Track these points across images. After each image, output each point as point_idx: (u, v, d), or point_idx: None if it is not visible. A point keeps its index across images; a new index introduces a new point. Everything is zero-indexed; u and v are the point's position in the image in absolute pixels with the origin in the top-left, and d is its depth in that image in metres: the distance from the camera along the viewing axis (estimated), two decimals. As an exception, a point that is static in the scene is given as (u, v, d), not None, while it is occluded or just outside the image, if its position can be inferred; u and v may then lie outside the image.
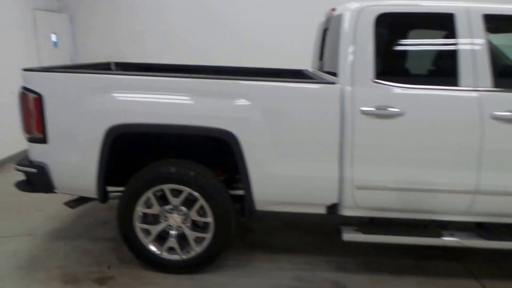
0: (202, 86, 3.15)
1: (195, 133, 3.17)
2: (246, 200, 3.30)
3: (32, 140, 3.32)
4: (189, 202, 3.35)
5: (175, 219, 3.37)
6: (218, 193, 3.29)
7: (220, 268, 3.51)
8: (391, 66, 3.17)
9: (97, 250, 3.80)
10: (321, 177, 3.18)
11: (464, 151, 3.07)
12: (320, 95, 3.09)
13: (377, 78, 3.06)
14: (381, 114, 3.04)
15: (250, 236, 4.13)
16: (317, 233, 4.26)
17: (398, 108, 3.03)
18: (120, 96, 3.17)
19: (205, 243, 3.37)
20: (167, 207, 3.36)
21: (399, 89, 3.06)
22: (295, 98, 3.10)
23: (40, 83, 3.21)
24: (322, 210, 3.34)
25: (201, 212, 3.35)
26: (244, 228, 4.24)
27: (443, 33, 3.11)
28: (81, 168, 3.30)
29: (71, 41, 7.97)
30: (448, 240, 3.25)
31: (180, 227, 3.38)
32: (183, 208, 3.35)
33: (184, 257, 3.40)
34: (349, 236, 3.28)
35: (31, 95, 3.20)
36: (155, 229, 3.39)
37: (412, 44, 3.21)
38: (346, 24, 3.11)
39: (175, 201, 3.32)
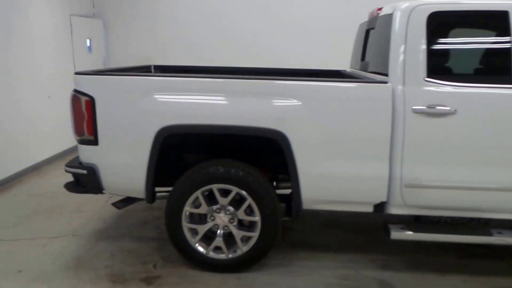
0: (254, 87, 3.03)
1: (246, 133, 3.05)
2: (294, 199, 3.16)
3: (83, 142, 3.22)
4: (235, 201, 3.22)
5: (222, 218, 3.23)
6: (266, 193, 3.15)
7: (264, 267, 3.37)
8: (442, 64, 3.03)
9: (141, 249, 3.67)
10: (370, 176, 3.04)
11: None
12: (371, 95, 2.95)
13: (429, 77, 2.92)
14: (433, 112, 2.90)
15: (290, 235, 3.98)
16: (357, 231, 4.11)
17: (450, 107, 2.89)
18: (172, 97, 3.06)
19: (251, 242, 3.23)
20: (215, 206, 3.22)
21: (450, 87, 2.91)
22: (346, 98, 2.97)
23: (92, 86, 3.11)
24: (369, 209, 3.20)
25: (248, 211, 3.22)
26: (283, 227, 4.10)
27: (497, 31, 2.96)
28: (130, 169, 3.18)
29: (104, 46, 7.87)
30: (497, 238, 3.09)
31: (226, 226, 3.24)
32: (230, 208, 3.22)
33: (231, 256, 3.26)
34: (397, 234, 3.13)
35: (83, 98, 3.09)
36: (203, 229, 3.25)
37: (464, 42, 3.06)
38: (397, 24, 2.97)
39: (223, 200, 3.18)
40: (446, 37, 3.02)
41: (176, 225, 3.24)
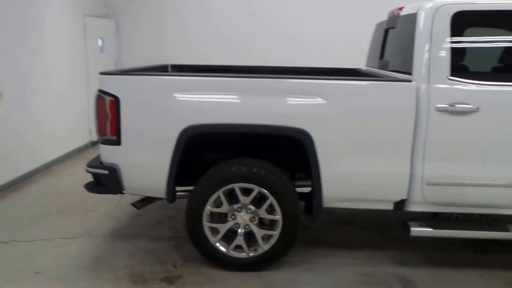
0: (278, 86, 2.92)
1: (270, 132, 2.93)
2: (315, 198, 3.04)
3: (105, 142, 3.07)
4: (255, 200, 3.09)
5: (243, 217, 3.10)
6: (287, 191, 3.03)
7: (283, 265, 3.25)
8: (465, 63, 2.94)
9: (159, 249, 3.52)
10: (392, 173, 2.94)
11: None
12: (396, 93, 2.85)
13: (452, 76, 2.83)
14: (456, 110, 2.81)
15: (306, 233, 3.86)
16: (371, 228, 4.02)
17: (472, 105, 2.80)
18: (196, 97, 2.93)
19: (272, 241, 3.10)
20: (235, 205, 3.09)
21: (473, 86, 2.83)
22: (370, 96, 2.86)
23: (117, 86, 2.97)
24: (389, 206, 3.10)
25: (268, 210, 3.09)
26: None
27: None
28: (152, 169, 3.05)
29: (116, 46, 7.66)
30: (515, 234, 3.00)
31: (247, 225, 3.12)
32: (251, 207, 3.09)
33: (252, 254, 3.14)
34: (417, 231, 3.03)
35: (108, 98, 2.95)
36: (224, 228, 3.12)
37: (486, 41, 2.97)
38: (421, 23, 2.88)
39: (244, 199, 3.05)
40: (469, 36, 2.93)
41: (197, 225, 3.10)
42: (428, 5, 2.89)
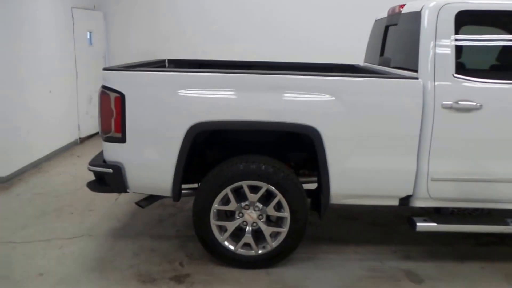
0: (286, 82, 2.93)
1: (278, 129, 2.96)
2: (323, 194, 3.08)
3: (109, 139, 3.02)
4: (262, 197, 3.11)
5: (251, 215, 3.12)
6: (295, 188, 3.06)
7: (291, 262, 3.29)
8: (469, 61, 3.01)
9: (163, 248, 3.51)
10: (399, 170, 3.00)
11: None
12: (403, 90, 2.91)
13: (457, 73, 2.90)
14: (460, 107, 2.88)
15: (310, 229, 3.88)
16: (372, 224, 4.09)
17: (476, 102, 2.88)
18: (204, 93, 2.91)
19: (280, 238, 3.14)
20: (243, 203, 3.11)
21: (478, 83, 2.91)
22: (378, 93, 2.91)
23: (123, 82, 2.93)
24: (395, 202, 3.16)
25: (276, 207, 3.12)
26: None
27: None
28: (158, 167, 3.03)
29: (105, 39, 7.50)
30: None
31: (255, 223, 3.14)
32: (259, 204, 3.11)
33: (260, 252, 3.16)
34: (423, 226, 3.11)
35: (113, 95, 2.91)
36: (232, 226, 3.13)
37: (489, 39, 3.06)
38: (426, 21, 2.93)
39: (252, 197, 3.07)
40: (473, 34, 3.01)
41: (204, 223, 3.11)
42: (432, 3, 2.95)
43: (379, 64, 3.92)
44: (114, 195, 4.59)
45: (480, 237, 3.76)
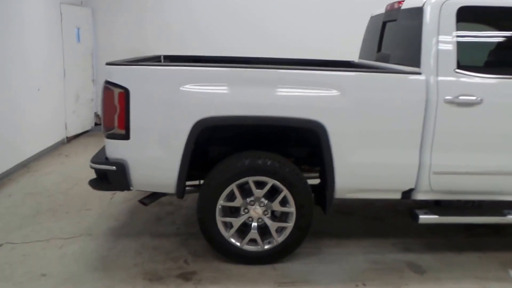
0: (294, 78, 2.95)
1: (285, 124, 2.97)
2: (328, 189, 3.12)
3: (111, 136, 2.97)
4: (267, 192, 3.12)
5: (256, 211, 3.13)
6: (301, 183, 3.10)
7: (296, 256, 3.31)
8: (470, 56, 3.10)
9: (165, 246, 3.49)
10: (402, 164, 3.07)
11: None
12: (406, 85, 2.97)
13: (459, 68, 2.98)
14: (462, 102, 2.97)
15: (309, 224, 3.95)
16: (369, 217, 4.17)
17: (477, 97, 2.97)
18: (210, 88, 2.90)
19: (286, 233, 3.16)
20: (248, 199, 3.11)
21: (477, 78, 3.00)
22: (383, 88, 2.97)
23: (127, 78, 2.88)
24: (397, 196, 3.23)
25: (281, 202, 3.13)
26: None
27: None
28: (163, 164, 3.01)
29: (93, 35, 7.34)
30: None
31: (260, 218, 3.15)
32: (264, 200, 3.12)
33: (266, 247, 3.18)
34: (425, 218, 3.19)
35: (117, 90, 2.86)
36: (238, 222, 3.14)
37: (490, 35, 3.16)
38: (428, 17, 3.00)
39: (258, 192, 3.08)
40: (474, 30, 3.10)
41: (210, 220, 3.10)
42: None
43: (376, 60, 3.98)
44: (109, 194, 4.54)
45: (473, 228, 3.88)
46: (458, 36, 2.98)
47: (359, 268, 3.23)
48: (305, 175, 3.57)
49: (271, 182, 3.05)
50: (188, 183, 3.31)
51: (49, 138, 6.10)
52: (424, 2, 3.06)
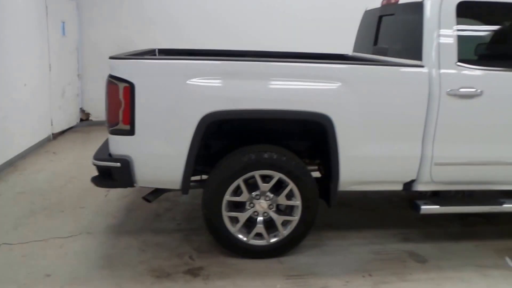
0: (300, 71, 2.96)
1: (291, 117, 2.99)
2: (332, 182, 3.15)
3: (116, 132, 2.92)
4: (272, 186, 3.13)
5: (262, 205, 3.14)
6: (307, 177, 3.12)
7: (300, 249, 3.34)
8: (471, 49, 3.18)
9: (167, 242, 3.46)
10: (405, 155, 3.13)
11: None
12: (410, 78, 3.03)
13: (459, 61, 3.05)
14: (463, 94, 3.04)
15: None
16: (367, 209, 4.24)
17: (477, 89, 3.05)
18: (217, 82, 2.88)
19: (292, 226, 3.18)
20: (254, 193, 3.12)
21: (478, 71, 3.08)
22: (388, 81, 3.02)
23: (132, 72, 2.82)
24: (399, 187, 3.30)
25: (287, 196, 3.15)
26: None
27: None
28: (169, 159, 2.98)
29: (78, 29, 7.14)
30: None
31: (266, 212, 3.16)
32: (269, 194, 3.13)
33: (272, 241, 3.20)
34: (426, 208, 3.27)
35: (122, 85, 2.80)
36: (244, 217, 3.14)
37: (489, 29, 3.25)
38: (428, 12, 3.06)
39: (265, 186, 3.09)
40: (473, 24, 3.18)
41: (216, 215, 3.09)
42: None
43: (373, 54, 4.04)
44: (103, 192, 4.46)
45: (465, 217, 4.00)
46: (458, 30, 3.06)
47: (363, 258, 3.29)
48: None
49: (277, 176, 3.06)
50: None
51: (35, 135, 5.92)
52: None
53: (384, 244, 3.52)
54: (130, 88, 2.80)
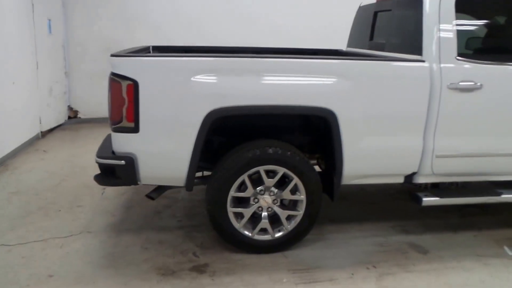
0: (306, 66, 2.96)
1: (297, 112, 2.99)
2: (336, 176, 3.17)
3: (119, 130, 2.87)
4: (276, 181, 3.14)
5: (266, 200, 3.14)
6: (311, 171, 3.13)
7: (303, 243, 3.35)
8: (470, 44, 3.22)
9: (170, 239, 3.43)
10: (407, 149, 3.17)
11: None
12: (412, 73, 3.06)
13: (459, 55, 3.10)
14: (464, 88, 3.09)
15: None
16: (364, 202, 4.28)
17: (477, 82, 3.10)
18: (222, 78, 2.85)
19: (296, 220, 3.19)
20: (258, 188, 3.11)
21: (478, 65, 3.12)
22: (391, 76, 3.03)
23: (136, 69, 2.78)
24: (400, 180, 3.34)
25: (292, 190, 3.15)
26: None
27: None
28: (174, 156, 2.94)
29: (63, 27, 6.97)
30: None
31: (270, 207, 3.16)
32: (274, 189, 3.13)
33: (276, 235, 3.20)
34: (428, 200, 3.32)
35: (125, 82, 2.75)
36: (249, 212, 3.13)
37: (487, 24, 3.29)
38: (427, 7, 3.09)
39: (269, 182, 3.09)
40: (472, 19, 3.22)
41: (221, 211, 3.07)
42: None
43: (369, 49, 4.06)
44: (99, 190, 4.39)
45: (462, 208, 4.08)
46: (457, 25, 3.09)
47: (366, 251, 3.33)
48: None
49: (282, 171, 3.06)
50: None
51: (24, 133, 5.78)
52: None
53: (385, 236, 3.56)
54: (134, 86, 2.76)
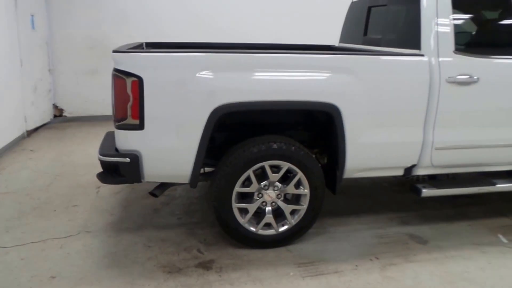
0: (309, 62, 2.95)
1: (301, 108, 2.99)
2: (338, 169, 3.19)
3: (123, 127, 2.81)
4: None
5: (270, 195, 3.13)
6: (315, 166, 3.14)
7: (305, 237, 3.36)
8: (467, 38, 3.28)
9: (172, 237, 3.38)
10: (407, 142, 3.21)
11: None
12: (413, 66, 3.09)
13: (457, 49, 3.15)
14: (461, 81, 3.15)
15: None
16: (360, 195, 4.32)
17: (474, 76, 3.16)
18: (228, 74, 2.82)
19: (300, 215, 3.20)
20: (262, 183, 3.10)
21: (475, 59, 3.19)
22: (392, 70, 3.07)
23: (140, 65, 2.72)
24: (400, 172, 3.39)
25: (296, 185, 3.15)
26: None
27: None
28: (179, 153, 2.90)
29: (47, 23, 6.76)
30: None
31: (274, 202, 3.16)
32: (278, 184, 3.13)
33: (280, 230, 3.20)
34: (427, 192, 3.38)
35: (130, 79, 2.69)
36: (253, 207, 3.12)
37: (484, 18, 3.36)
38: (425, 1, 3.13)
39: (274, 177, 3.08)
40: (469, 13, 3.28)
41: (226, 207, 3.05)
42: None
43: (364, 44, 4.09)
44: (93, 188, 4.31)
45: (456, 199, 4.17)
46: (455, 19, 3.15)
47: (368, 243, 3.36)
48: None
49: (286, 165, 3.06)
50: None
51: (10, 132, 5.60)
52: None
53: (385, 228, 3.61)
54: (139, 82, 2.70)
